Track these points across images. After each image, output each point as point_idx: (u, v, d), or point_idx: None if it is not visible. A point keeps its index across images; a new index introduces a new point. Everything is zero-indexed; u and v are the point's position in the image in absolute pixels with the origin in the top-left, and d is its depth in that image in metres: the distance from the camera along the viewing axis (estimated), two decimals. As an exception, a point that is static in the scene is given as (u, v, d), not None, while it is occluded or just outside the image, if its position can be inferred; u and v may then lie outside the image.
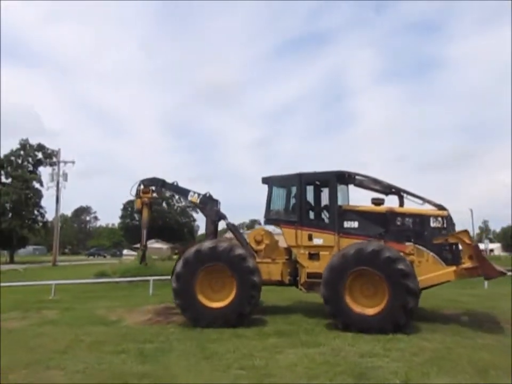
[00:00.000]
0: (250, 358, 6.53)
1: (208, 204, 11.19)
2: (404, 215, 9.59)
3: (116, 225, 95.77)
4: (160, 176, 11.61)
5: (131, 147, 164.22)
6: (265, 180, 10.68)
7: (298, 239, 9.87)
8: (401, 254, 8.71)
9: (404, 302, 8.11)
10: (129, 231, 79.51)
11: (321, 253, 9.71)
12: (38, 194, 53.36)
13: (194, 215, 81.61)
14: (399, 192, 10.08)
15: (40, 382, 5.60)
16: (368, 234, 9.43)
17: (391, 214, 9.60)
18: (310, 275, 9.73)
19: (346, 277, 8.53)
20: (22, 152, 54.09)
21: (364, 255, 8.46)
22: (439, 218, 9.34)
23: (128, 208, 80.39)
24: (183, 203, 77.01)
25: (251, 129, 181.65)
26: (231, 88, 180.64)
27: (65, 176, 45.62)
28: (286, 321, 9.52)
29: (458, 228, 9.72)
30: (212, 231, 11.00)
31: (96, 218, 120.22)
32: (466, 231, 9.07)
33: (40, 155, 54.75)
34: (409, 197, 9.92)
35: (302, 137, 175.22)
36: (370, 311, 8.41)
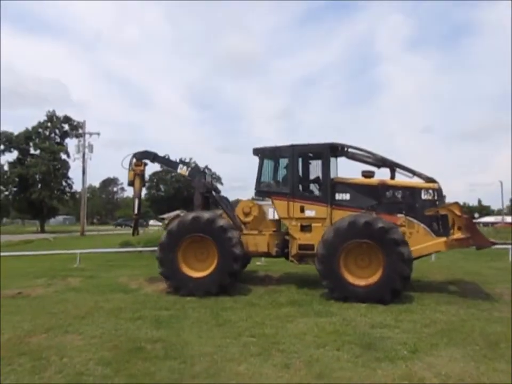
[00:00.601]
0: (261, 326, 6.66)
1: (196, 176, 11.36)
2: (395, 187, 9.70)
3: (143, 196, 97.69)
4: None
5: (156, 118, 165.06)
6: (256, 151, 10.60)
7: (290, 211, 9.94)
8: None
9: (399, 270, 8.26)
10: (155, 202, 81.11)
11: (313, 224, 9.80)
12: (66, 166, 54.61)
13: (219, 186, 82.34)
14: (391, 165, 10.11)
15: (58, 346, 5.85)
16: (360, 206, 9.58)
17: (383, 186, 9.73)
18: (301, 247, 9.84)
19: (341, 250, 8.65)
20: (49, 124, 55.15)
21: (357, 227, 8.55)
22: (430, 191, 9.48)
23: (154, 179, 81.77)
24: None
25: (274, 100, 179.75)
26: (255, 58, 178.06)
27: (90, 147, 46.29)
28: (301, 291, 9.61)
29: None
30: (200, 203, 11.15)
31: (123, 189, 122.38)
32: (456, 203, 9.24)
33: (66, 127, 55.78)
34: (400, 170, 9.98)
35: (326, 107, 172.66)
36: (368, 281, 8.54)
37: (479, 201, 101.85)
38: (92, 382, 4.60)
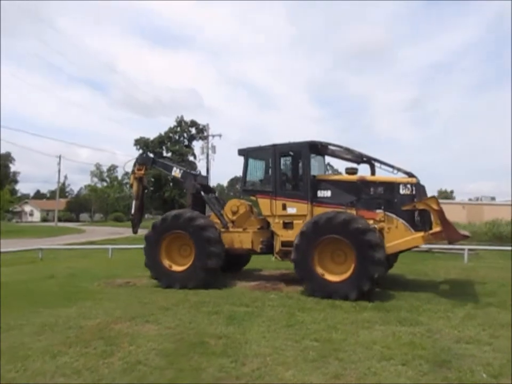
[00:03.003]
0: (331, 331, 6.31)
1: (188, 178, 11.91)
2: (374, 183, 9.73)
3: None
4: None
5: (279, 117, 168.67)
6: (241, 152, 10.93)
7: (273, 209, 10.24)
8: (371, 222, 9.11)
9: (369, 271, 8.34)
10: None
11: (294, 221, 10.02)
12: (193, 166, 58.98)
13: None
14: (370, 161, 10.18)
15: (134, 333, 6.28)
16: (340, 203, 9.68)
17: (362, 182, 9.78)
18: (284, 243, 10.05)
19: (317, 243, 8.87)
20: (178, 129, 60.27)
21: (335, 224, 8.68)
22: (408, 186, 9.42)
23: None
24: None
25: (402, 91, 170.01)
26: (378, 49, 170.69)
27: (213, 148, 49.35)
28: (397, 296, 8.89)
29: None
30: (191, 203, 11.65)
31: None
32: (434, 197, 8.87)
33: (193, 130, 60.35)
34: (380, 165, 9.98)
35: (462, 94, 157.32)
36: (338, 278, 8.73)
37: None
38: (144, 372, 4.82)
